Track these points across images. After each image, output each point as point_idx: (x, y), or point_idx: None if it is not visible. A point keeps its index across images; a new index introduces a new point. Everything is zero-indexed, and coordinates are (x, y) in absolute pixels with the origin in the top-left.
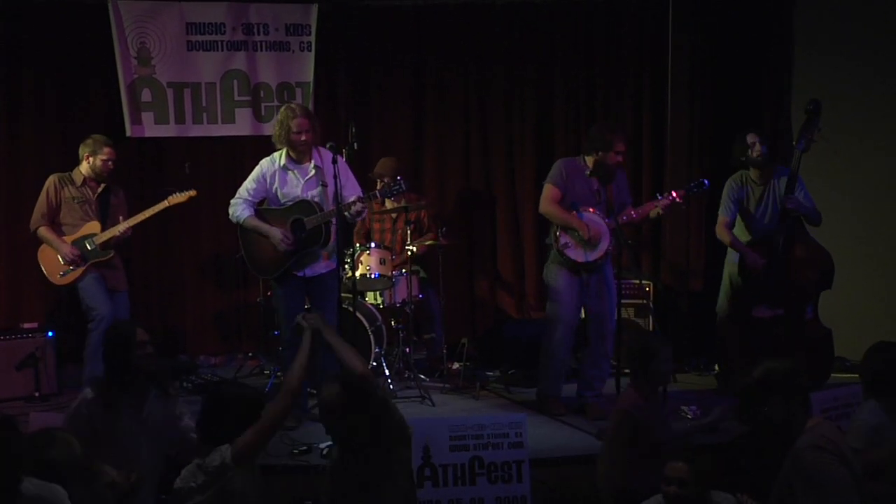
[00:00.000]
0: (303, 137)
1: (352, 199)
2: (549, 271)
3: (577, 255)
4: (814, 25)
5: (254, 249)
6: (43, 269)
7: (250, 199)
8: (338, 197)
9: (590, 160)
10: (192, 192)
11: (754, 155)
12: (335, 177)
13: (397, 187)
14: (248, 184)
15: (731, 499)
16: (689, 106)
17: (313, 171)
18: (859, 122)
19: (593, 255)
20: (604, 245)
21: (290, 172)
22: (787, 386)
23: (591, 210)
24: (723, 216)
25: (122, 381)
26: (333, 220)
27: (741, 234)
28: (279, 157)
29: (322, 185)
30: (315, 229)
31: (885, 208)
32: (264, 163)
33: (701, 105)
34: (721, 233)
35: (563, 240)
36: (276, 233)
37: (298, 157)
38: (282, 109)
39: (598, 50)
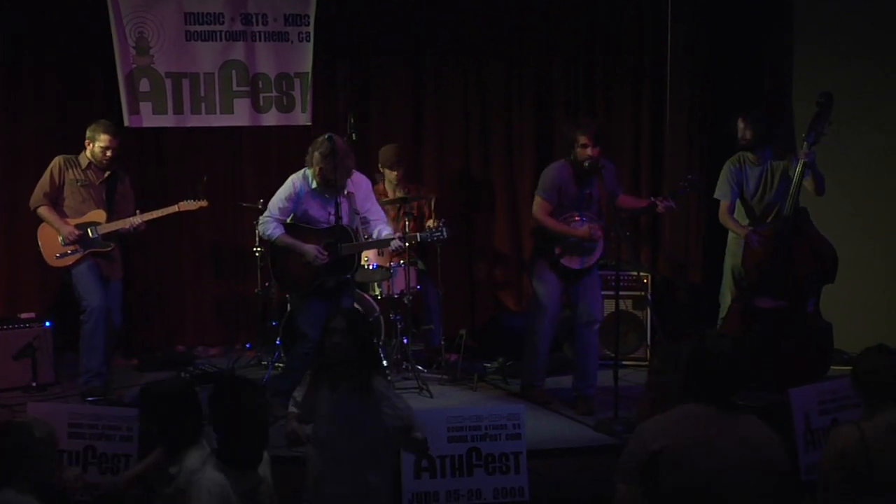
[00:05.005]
0: (324, 175)
1: (393, 238)
2: (535, 257)
3: (572, 262)
4: (813, 13)
5: (284, 266)
6: (41, 247)
7: (282, 218)
8: (337, 217)
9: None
10: (204, 203)
11: (744, 139)
12: (339, 184)
13: (438, 233)
14: (281, 203)
15: None
16: (688, 94)
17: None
18: (861, 113)
19: (588, 262)
20: (598, 251)
21: (322, 197)
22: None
23: (584, 216)
24: (724, 200)
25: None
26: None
27: (740, 219)
28: (312, 178)
29: (354, 212)
30: (348, 257)
31: (887, 202)
32: (297, 181)
33: (701, 93)
34: (725, 219)
35: (556, 250)
36: (310, 249)
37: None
38: (321, 138)
39: (598, 38)
